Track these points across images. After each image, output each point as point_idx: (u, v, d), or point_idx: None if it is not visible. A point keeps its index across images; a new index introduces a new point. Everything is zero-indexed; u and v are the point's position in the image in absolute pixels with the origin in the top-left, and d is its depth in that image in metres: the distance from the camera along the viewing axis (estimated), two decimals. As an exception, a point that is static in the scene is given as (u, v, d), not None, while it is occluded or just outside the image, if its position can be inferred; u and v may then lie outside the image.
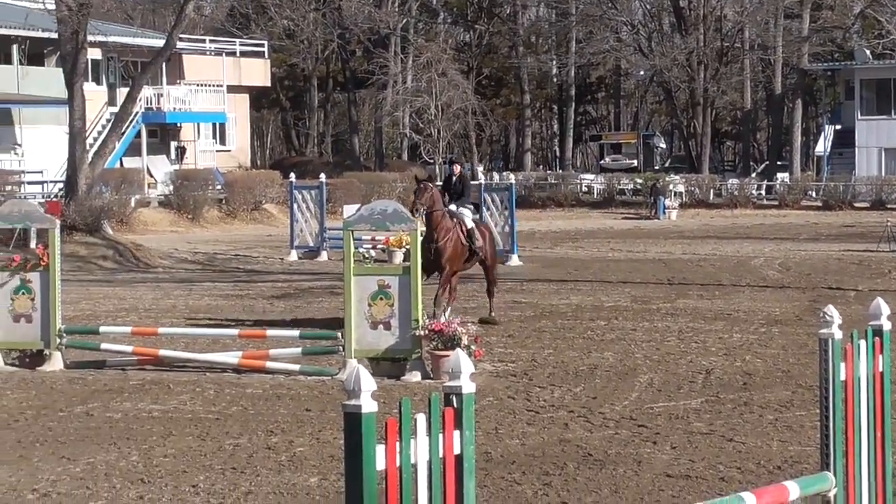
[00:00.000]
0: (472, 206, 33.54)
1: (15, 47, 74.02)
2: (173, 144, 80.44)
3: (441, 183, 36.99)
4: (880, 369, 10.31)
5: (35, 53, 74.22)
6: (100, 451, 18.60)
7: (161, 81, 74.75)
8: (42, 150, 69.34)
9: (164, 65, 68.47)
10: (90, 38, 60.99)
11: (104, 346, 26.59)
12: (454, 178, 33.42)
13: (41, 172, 67.65)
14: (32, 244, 26.78)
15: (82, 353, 26.49)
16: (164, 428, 20.26)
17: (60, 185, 60.27)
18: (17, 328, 26.12)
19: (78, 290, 34.55)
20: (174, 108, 79.36)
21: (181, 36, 66.88)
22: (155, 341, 27.15)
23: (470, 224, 31.32)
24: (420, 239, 26.81)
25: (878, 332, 10.20)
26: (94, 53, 66.01)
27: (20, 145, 71.92)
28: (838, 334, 9.71)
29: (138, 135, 73.38)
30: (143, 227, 60.24)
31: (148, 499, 15.92)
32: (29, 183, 62.34)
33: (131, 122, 67.65)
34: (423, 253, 26.92)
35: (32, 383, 24.54)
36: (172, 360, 26.00)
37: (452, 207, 31.55)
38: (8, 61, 74.55)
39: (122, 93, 67.15)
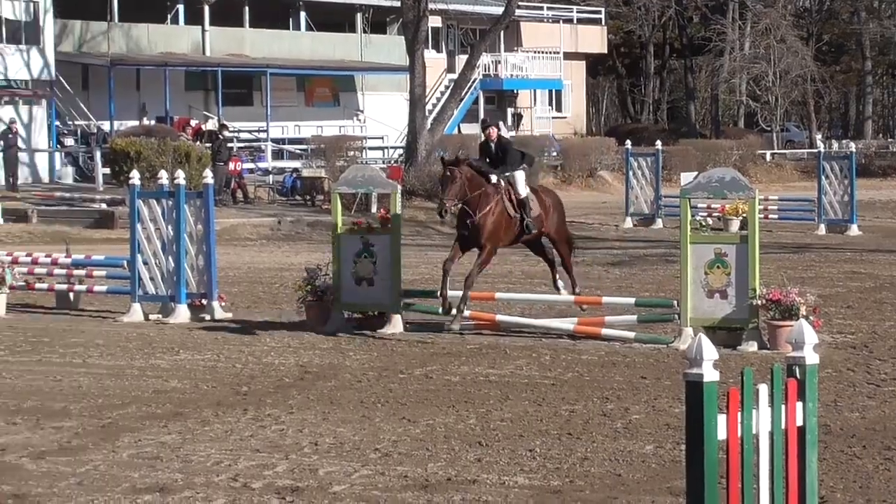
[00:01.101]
0: (526, 168, 28.24)
1: (359, 16, 74.94)
2: (510, 111, 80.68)
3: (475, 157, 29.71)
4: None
5: (378, 22, 75.09)
6: (439, 414, 18.84)
7: (499, 49, 75.17)
8: (383, 116, 70.13)
9: (502, 32, 68.69)
10: (431, 6, 61.55)
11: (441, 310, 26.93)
12: (492, 145, 27.48)
13: (382, 138, 68.50)
14: (373, 209, 27.18)
15: (422, 316, 26.83)
16: (500, 392, 20.43)
17: (400, 151, 60.94)
18: (360, 291, 26.57)
19: (417, 254, 34.91)
20: (511, 75, 79.77)
21: (519, 3, 67.07)
22: (492, 306, 27.38)
23: (524, 192, 26.51)
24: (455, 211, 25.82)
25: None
26: (435, 21, 66.64)
27: (362, 111, 72.83)
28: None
29: (476, 101, 73.93)
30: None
31: (485, 462, 16.05)
32: (370, 148, 63.07)
33: (469, 88, 68.09)
34: (459, 226, 26.08)
35: (374, 345, 24.95)
36: (509, 325, 26.20)
37: (494, 178, 26.48)
38: (352, 29, 75.52)
39: (460, 60, 67.63)
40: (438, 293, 25.59)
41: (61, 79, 62.32)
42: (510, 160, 26.70)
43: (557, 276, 28.07)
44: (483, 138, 28.23)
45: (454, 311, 25.28)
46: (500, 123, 30.08)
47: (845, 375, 21.18)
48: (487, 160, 26.87)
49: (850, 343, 24.08)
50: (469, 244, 26.19)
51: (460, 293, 25.71)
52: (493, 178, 26.35)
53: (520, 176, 26.77)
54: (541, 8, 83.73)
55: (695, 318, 23.94)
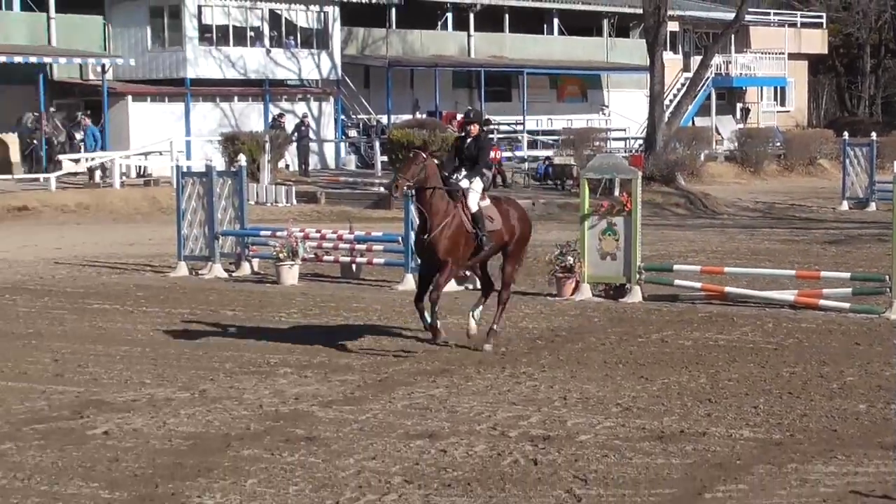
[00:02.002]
0: (486, 175, 22.73)
1: (605, 22, 74.95)
2: (738, 106, 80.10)
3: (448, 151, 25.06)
4: None
5: (622, 27, 75.18)
6: (673, 373, 18.80)
7: (729, 50, 74.61)
8: (625, 110, 70.07)
9: (732, 36, 68.13)
10: (669, 12, 61.32)
11: (677, 282, 26.84)
12: (468, 140, 22.29)
13: (624, 130, 68.39)
14: (616, 192, 27.02)
15: (658, 288, 26.76)
16: (728, 355, 20.30)
17: (640, 142, 60.69)
18: (604, 264, 26.61)
19: (654, 232, 34.82)
20: (740, 74, 79.23)
21: (748, 10, 66.37)
22: (721, 279, 27.17)
23: (474, 206, 21.14)
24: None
25: None
26: (672, 26, 66.22)
27: (607, 106, 72.83)
28: None
29: (708, 97, 73.41)
30: (710, 178, 60.10)
31: (714, 416, 15.97)
32: (614, 139, 62.93)
33: (702, 86, 67.62)
34: (416, 245, 21.72)
35: (615, 312, 24.93)
36: (736, 297, 26.01)
37: (463, 182, 21.48)
38: (598, 34, 75.57)
39: (694, 60, 67.36)
40: (424, 327, 20.90)
41: (346, 78, 62.96)
42: (481, 159, 21.96)
43: (481, 306, 22.18)
44: (460, 133, 24.11)
45: (438, 331, 20.63)
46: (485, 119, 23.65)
47: None
48: (460, 158, 21.93)
49: None
50: (431, 268, 20.80)
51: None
52: (462, 181, 21.44)
53: (477, 186, 21.53)
54: (767, 13, 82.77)
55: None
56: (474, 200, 20.81)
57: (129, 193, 48.02)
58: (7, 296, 27.56)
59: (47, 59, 54.66)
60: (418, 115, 62.71)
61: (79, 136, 54.68)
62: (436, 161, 21.15)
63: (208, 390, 17.92)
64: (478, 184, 21.15)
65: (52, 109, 54.11)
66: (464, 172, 21.27)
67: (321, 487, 12.93)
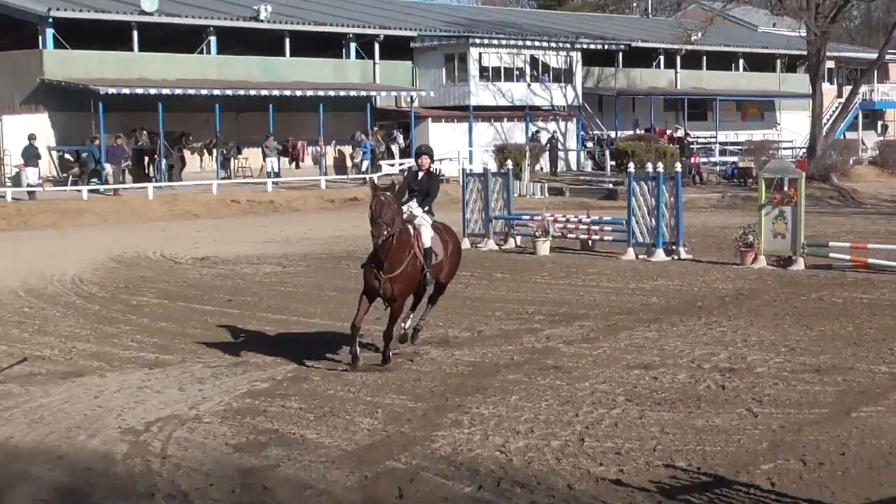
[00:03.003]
0: (431, 210, 17.71)
1: (778, 61, 73.44)
2: (879, 123, 77.79)
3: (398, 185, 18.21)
4: None
5: (790, 64, 73.41)
6: (827, 323, 18.38)
7: (873, 81, 72.23)
8: (793, 127, 68.59)
9: (875, 70, 66.17)
10: (828, 53, 59.96)
11: (831, 255, 26.26)
12: (420, 174, 17.81)
13: (791, 142, 66.86)
14: (785, 188, 26.49)
15: (817, 259, 26.16)
16: (869, 310, 19.77)
17: (803, 151, 59.37)
18: (776, 241, 26.20)
19: (813, 218, 33.97)
20: (881, 98, 76.88)
21: (888, 51, 64.45)
22: (865, 253, 26.34)
23: (427, 242, 16.95)
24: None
25: None
26: (829, 63, 64.46)
27: (779, 124, 71.39)
28: None
29: (856, 117, 71.30)
30: (857, 178, 58.61)
31: (859, 355, 15.66)
32: (783, 149, 61.69)
33: (852, 108, 65.81)
34: (368, 276, 15.99)
35: (784, 277, 24.41)
36: (876, 266, 25.30)
37: (415, 210, 17.19)
38: (773, 70, 73.94)
39: (846, 90, 65.43)
40: (349, 350, 15.89)
41: (585, 104, 62.67)
42: (433, 193, 17.54)
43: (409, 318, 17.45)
44: (414, 167, 18.23)
45: (358, 359, 15.63)
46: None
47: None
48: (411, 190, 17.39)
49: None
50: (374, 295, 16.12)
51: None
52: (415, 210, 17.02)
53: (426, 218, 17.17)
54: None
55: None
56: (427, 236, 16.63)
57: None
58: (343, 262, 27.97)
59: (373, 93, 55.52)
60: (638, 131, 62.31)
61: (394, 147, 55.66)
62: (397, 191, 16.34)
63: (484, 331, 18.07)
64: (427, 218, 16.91)
65: (375, 128, 55.00)
66: (415, 203, 16.88)
67: (565, 403, 12.98)
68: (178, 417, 12.47)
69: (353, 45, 56.76)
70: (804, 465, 10.62)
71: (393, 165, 53.40)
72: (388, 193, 15.27)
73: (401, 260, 15.42)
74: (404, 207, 16.08)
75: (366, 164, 52.36)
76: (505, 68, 60.09)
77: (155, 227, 37.42)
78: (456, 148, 54.90)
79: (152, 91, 46.41)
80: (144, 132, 47.41)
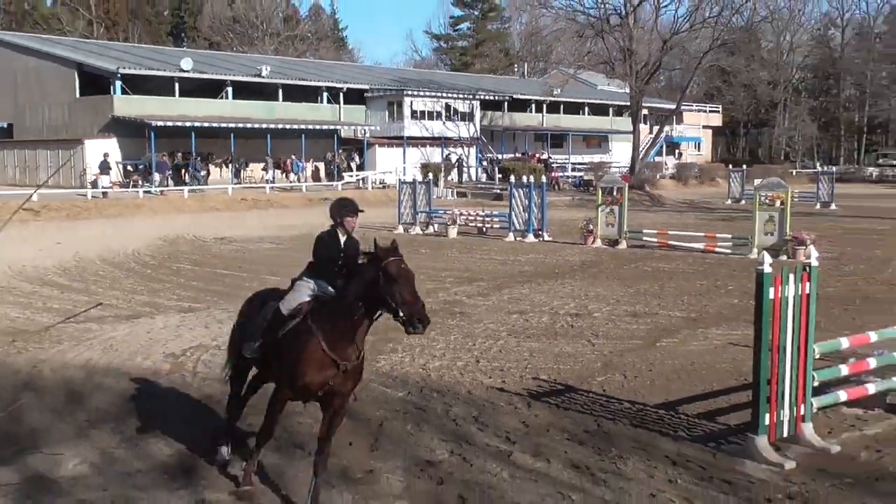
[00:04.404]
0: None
1: (610, 108, 73.61)
2: (676, 151, 77.81)
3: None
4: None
5: (619, 111, 73.12)
6: (641, 284, 18.54)
7: (672, 123, 72.51)
8: (620, 153, 68.43)
9: (674, 116, 66.79)
10: (644, 105, 60.42)
11: (645, 238, 26.33)
12: (346, 238, 7.23)
13: (619, 163, 66.68)
14: (614, 194, 26.68)
15: (635, 241, 26.26)
16: (668, 275, 19.98)
17: (626, 168, 59.72)
18: (608, 229, 26.37)
19: (633, 214, 34.08)
20: (677, 134, 76.84)
21: (683, 104, 65.17)
22: (666, 237, 26.22)
23: None
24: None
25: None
26: (644, 111, 64.63)
27: (611, 151, 71.02)
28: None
29: (661, 147, 71.45)
30: (661, 188, 58.89)
31: (661, 305, 15.83)
32: (613, 167, 61.77)
33: (658, 141, 66.13)
34: (316, 371, 6.58)
35: (613, 253, 24.57)
36: (674, 246, 25.54)
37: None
38: (607, 114, 73.99)
39: (655, 129, 65.78)
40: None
41: (481, 136, 62.55)
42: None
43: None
44: (337, 227, 7.22)
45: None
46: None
47: (823, 268, 20.07)
48: (338, 261, 7.07)
49: (831, 256, 22.22)
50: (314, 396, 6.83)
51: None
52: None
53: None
54: (691, 104, 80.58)
55: (759, 244, 23.01)
56: None
57: (376, 192, 48.31)
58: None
59: (338, 127, 55.12)
60: (517, 155, 62.33)
61: (353, 164, 55.33)
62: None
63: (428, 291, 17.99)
64: None
65: (339, 151, 54.61)
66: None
67: (466, 337, 13.01)
68: (204, 346, 12.39)
69: (325, 95, 56.56)
70: (625, 378, 10.78)
71: (353, 176, 53.47)
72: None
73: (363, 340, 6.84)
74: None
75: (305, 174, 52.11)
76: (428, 111, 60.00)
77: (189, 217, 37.02)
78: (394, 165, 55.37)
79: (188, 124, 46.57)
80: (180, 153, 47.21)
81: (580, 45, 61.11)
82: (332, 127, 54.68)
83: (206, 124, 47.51)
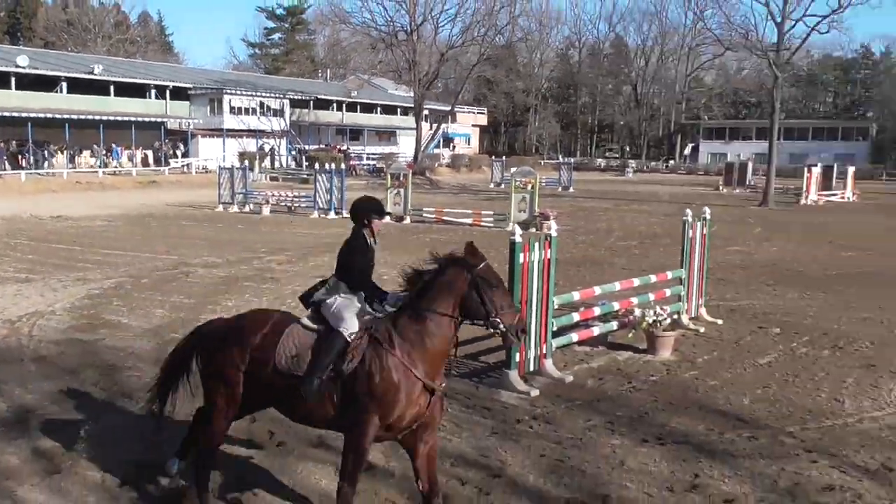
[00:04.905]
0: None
1: (398, 109, 73.72)
2: (451, 144, 78.39)
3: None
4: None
5: (405, 110, 73.40)
6: (422, 252, 18.66)
7: (448, 120, 72.97)
8: (406, 145, 69.03)
9: (449, 116, 67.81)
10: (426, 106, 60.95)
11: (425, 214, 26.55)
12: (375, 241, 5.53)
13: (405, 153, 67.61)
14: (401, 178, 26.79)
15: (418, 217, 26.29)
16: (443, 243, 19.87)
17: (410, 158, 60.14)
18: (395, 207, 26.32)
19: (416, 195, 34.49)
20: (452, 131, 77.18)
21: (457, 105, 66.16)
22: (441, 214, 26.40)
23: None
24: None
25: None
26: (426, 112, 65.45)
27: (399, 144, 71.41)
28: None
29: (439, 141, 72.08)
30: (439, 174, 59.48)
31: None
32: (400, 156, 62.05)
33: (437, 136, 66.96)
34: (414, 394, 4.80)
35: (400, 228, 24.35)
36: (447, 221, 25.68)
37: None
38: (395, 113, 74.05)
39: (434, 126, 66.47)
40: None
41: (291, 130, 61.26)
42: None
43: None
44: (364, 230, 5.49)
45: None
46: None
47: (562, 238, 20.93)
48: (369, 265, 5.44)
49: (568, 228, 23.08)
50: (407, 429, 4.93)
51: None
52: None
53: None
54: (463, 106, 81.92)
55: (514, 219, 23.63)
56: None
57: (201, 176, 46.44)
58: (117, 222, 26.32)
59: (165, 120, 52.40)
60: (321, 146, 61.54)
61: (179, 151, 52.84)
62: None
63: (230, 259, 17.38)
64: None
65: (166, 140, 52.02)
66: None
67: (276, 298, 12.72)
68: (40, 312, 11.49)
69: (153, 91, 53.57)
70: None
71: (178, 163, 51.21)
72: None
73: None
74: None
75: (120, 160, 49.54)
76: (244, 107, 58.18)
77: (26, 199, 34.15)
78: (216, 153, 53.34)
79: (24, 115, 43.00)
80: (14, 141, 43.68)
81: (374, 56, 61.09)
82: (159, 119, 52.01)
83: (42, 115, 44.13)
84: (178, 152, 53.16)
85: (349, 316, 5.05)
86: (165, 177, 46.96)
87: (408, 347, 4.87)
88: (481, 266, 4.93)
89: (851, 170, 43.25)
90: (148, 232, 21.94)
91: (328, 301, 5.19)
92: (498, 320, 4.84)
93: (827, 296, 13.49)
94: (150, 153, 51.05)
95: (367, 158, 64.08)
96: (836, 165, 44.80)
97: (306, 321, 5.21)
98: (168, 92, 54.49)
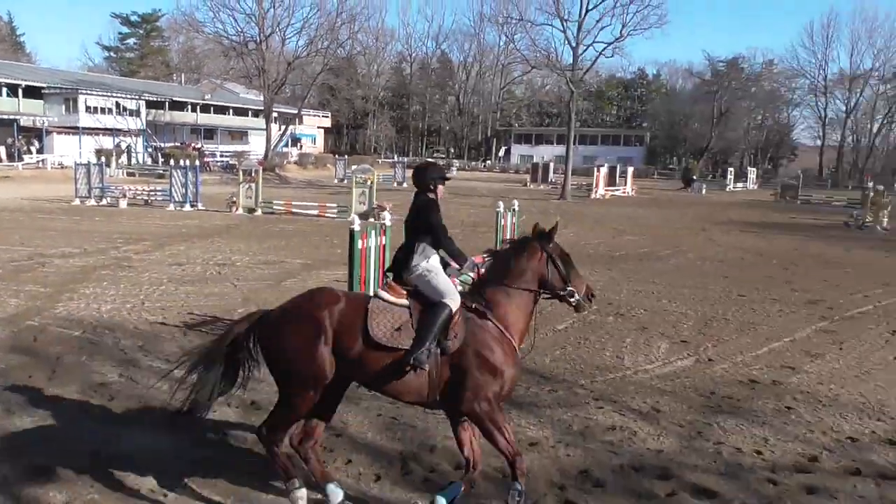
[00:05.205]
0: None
1: (250, 111, 71.22)
2: (299, 144, 76.65)
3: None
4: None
5: (256, 113, 70.90)
6: (272, 240, 18.11)
7: (296, 123, 71.32)
8: (257, 144, 66.92)
9: (296, 118, 66.09)
10: (274, 109, 59.27)
11: (275, 206, 25.88)
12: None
13: (256, 152, 65.53)
14: (252, 175, 26.01)
15: (268, 209, 25.66)
16: (292, 232, 19.71)
17: (261, 156, 58.38)
18: (248, 200, 25.56)
19: (266, 190, 33.66)
20: (299, 132, 75.45)
21: (304, 109, 64.60)
22: (291, 206, 25.90)
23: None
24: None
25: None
26: (275, 114, 63.55)
27: (250, 143, 69.11)
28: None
29: (287, 141, 70.00)
30: (287, 171, 58.15)
31: (286, 254, 15.62)
32: (251, 154, 60.04)
33: (284, 137, 65.29)
34: (515, 371, 4.68)
35: (251, 219, 23.76)
36: (296, 213, 25.29)
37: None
38: (248, 115, 71.56)
39: (283, 127, 64.68)
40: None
41: (147, 129, 57.70)
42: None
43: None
44: (433, 192, 5.11)
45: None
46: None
47: (397, 228, 21.04)
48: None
49: (403, 218, 23.43)
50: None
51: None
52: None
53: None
54: (309, 110, 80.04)
55: (355, 211, 23.39)
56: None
57: (57, 172, 42.87)
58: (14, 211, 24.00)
59: (19, 117, 47.89)
60: (176, 143, 58.43)
61: (33, 148, 48.45)
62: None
63: (87, 249, 16.20)
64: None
65: (20, 137, 47.58)
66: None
67: (134, 285, 12.05)
68: None
69: (3, 89, 48.81)
70: (258, 307, 10.55)
71: (33, 159, 47.00)
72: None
73: None
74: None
75: None
76: (101, 107, 54.23)
77: None
78: (71, 151, 49.44)
79: None
80: None
81: (226, 63, 58.51)
82: (11, 117, 47.51)
83: None
84: (33, 149, 48.82)
85: (450, 288, 4.63)
86: (20, 171, 43.01)
87: (504, 322, 4.63)
88: (555, 243, 4.86)
89: (631, 170, 46.56)
90: (0, 224, 20.03)
91: (420, 272, 4.71)
92: (573, 289, 4.77)
93: (612, 272, 14.42)
94: (2, 149, 46.58)
95: (221, 156, 61.54)
96: (619, 166, 47.87)
97: (386, 295, 4.67)
98: (20, 90, 49.91)
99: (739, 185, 54.98)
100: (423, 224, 4.82)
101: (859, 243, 21.09)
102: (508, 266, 4.78)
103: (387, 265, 8.66)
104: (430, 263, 4.69)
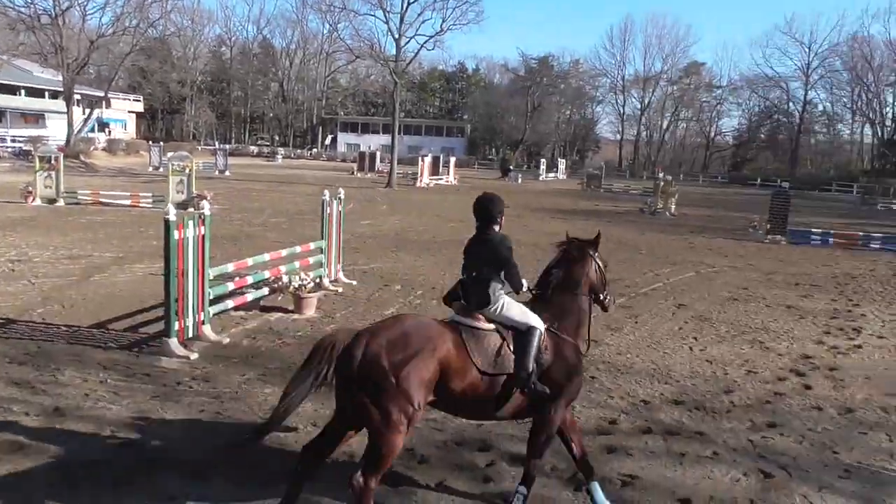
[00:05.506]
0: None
1: (47, 92, 64.93)
2: (107, 129, 71.09)
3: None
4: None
5: (55, 94, 64.62)
6: (78, 233, 16.74)
7: (103, 107, 66.00)
8: (57, 129, 61.19)
9: (103, 101, 61.24)
10: (76, 89, 54.39)
11: (80, 196, 23.85)
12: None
13: (56, 137, 59.87)
14: (52, 161, 23.81)
15: (71, 200, 23.58)
16: (100, 225, 18.40)
17: (63, 141, 53.49)
18: (47, 190, 23.22)
19: (70, 178, 30.86)
20: (106, 117, 70.03)
21: (110, 92, 59.96)
22: (98, 196, 24.24)
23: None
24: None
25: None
26: (77, 97, 58.26)
27: (48, 127, 63.03)
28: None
29: (94, 125, 64.77)
30: (95, 158, 53.67)
31: (97, 247, 14.54)
32: (50, 139, 54.81)
33: (89, 121, 60.31)
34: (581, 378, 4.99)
35: (52, 210, 21.63)
36: (104, 203, 23.65)
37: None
38: (44, 97, 65.06)
39: (87, 111, 59.62)
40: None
41: None
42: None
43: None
44: (499, 224, 5.10)
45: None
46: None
47: (217, 216, 20.08)
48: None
49: (225, 208, 22.25)
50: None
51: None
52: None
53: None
54: (118, 93, 74.08)
55: (173, 200, 22.14)
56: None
57: None
58: None
59: None
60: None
61: None
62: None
63: None
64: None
65: None
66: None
67: (18, 279, 10.62)
68: None
69: None
70: (63, 307, 9.81)
71: None
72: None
73: None
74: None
75: None
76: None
77: None
78: None
79: None
80: None
81: (14, 37, 52.70)
82: None
83: None
84: None
85: (529, 312, 4.84)
86: None
87: (569, 329, 4.88)
88: (598, 253, 5.13)
89: (453, 160, 48.13)
90: None
91: (502, 311, 4.79)
92: (607, 295, 5.12)
93: (435, 258, 14.84)
94: None
95: (13, 141, 55.74)
96: (442, 156, 49.20)
97: (476, 323, 4.73)
98: None
99: (551, 175, 58.64)
100: (496, 259, 4.88)
101: (651, 227, 23.08)
102: (570, 276, 5.03)
103: (207, 255, 8.37)
104: (505, 298, 4.86)
